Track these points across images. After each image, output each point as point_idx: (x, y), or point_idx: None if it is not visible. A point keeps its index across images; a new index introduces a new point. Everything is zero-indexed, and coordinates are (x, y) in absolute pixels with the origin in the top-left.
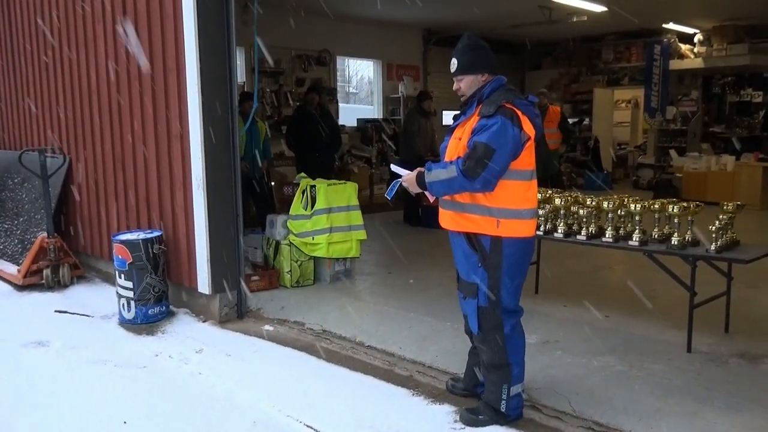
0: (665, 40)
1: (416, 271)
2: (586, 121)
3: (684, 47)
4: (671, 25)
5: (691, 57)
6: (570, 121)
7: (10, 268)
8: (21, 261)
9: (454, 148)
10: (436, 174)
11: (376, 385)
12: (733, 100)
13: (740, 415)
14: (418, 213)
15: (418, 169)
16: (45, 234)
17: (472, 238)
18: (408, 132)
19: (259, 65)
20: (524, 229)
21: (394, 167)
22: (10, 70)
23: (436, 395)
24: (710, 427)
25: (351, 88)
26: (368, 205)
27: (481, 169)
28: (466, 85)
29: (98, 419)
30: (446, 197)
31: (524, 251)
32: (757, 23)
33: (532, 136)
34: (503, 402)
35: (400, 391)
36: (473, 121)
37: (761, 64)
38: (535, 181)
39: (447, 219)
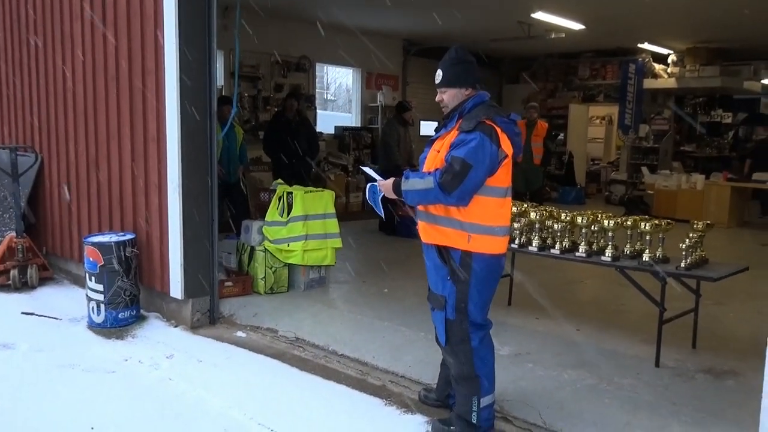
0: (640, 59)
1: (391, 281)
2: (561, 137)
3: (658, 67)
4: (646, 45)
5: (665, 77)
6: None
7: None
8: None
9: (432, 160)
10: (413, 183)
11: (348, 395)
12: (704, 120)
13: (705, 430)
14: (393, 222)
15: (393, 178)
16: (13, 234)
17: (442, 251)
18: (387, 142)
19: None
20: (495, 245)
21: (365, 168)
22: None
23: (408, 405)
24: None
25: (329, 95)
26: (344, 213)
27: (457, 183)
28: (449, 97)
29: (64, 425)
30: (421, 208)
31: (493, 267)
32: (729, 47)
33: (510, 155)
34: (474, 413)
35: (373, 401)
36: (452, 135)
37: (731, 86)
38: (509, 199)
39: (421, 230)
